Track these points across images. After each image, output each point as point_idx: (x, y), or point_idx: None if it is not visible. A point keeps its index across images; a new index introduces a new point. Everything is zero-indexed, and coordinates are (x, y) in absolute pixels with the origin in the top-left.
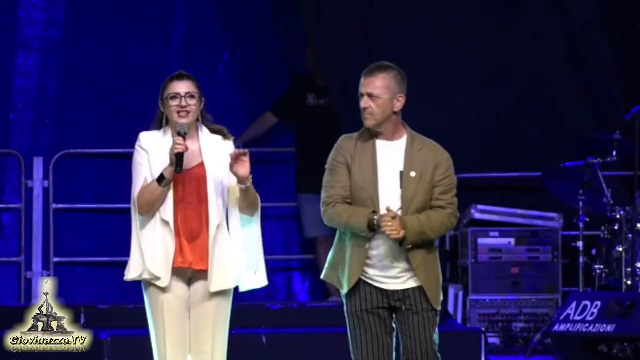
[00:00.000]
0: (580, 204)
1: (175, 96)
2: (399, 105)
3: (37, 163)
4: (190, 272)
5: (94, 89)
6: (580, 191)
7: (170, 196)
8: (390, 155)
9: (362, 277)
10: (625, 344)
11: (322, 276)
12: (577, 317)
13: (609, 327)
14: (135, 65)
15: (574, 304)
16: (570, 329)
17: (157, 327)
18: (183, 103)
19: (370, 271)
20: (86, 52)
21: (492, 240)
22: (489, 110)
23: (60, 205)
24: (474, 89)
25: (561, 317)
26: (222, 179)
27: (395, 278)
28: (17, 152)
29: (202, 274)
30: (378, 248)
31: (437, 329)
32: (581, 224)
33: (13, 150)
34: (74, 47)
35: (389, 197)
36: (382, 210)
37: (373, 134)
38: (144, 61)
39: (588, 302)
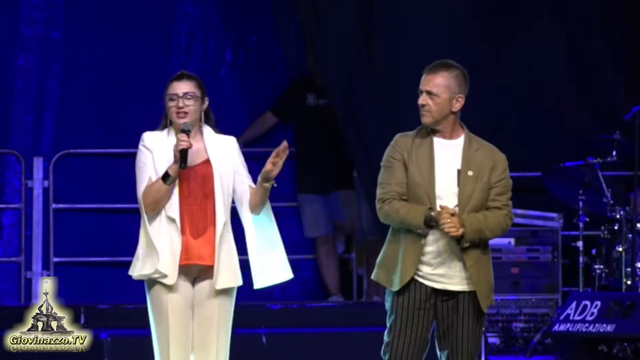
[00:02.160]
0: (580, 204)
1: (173, 97)
2: (458, 105)
3: (37, 163)
4: (195, 270)
5: (94, 89)
6: (580, 191)
7: (175, 193)
8: (448, 154)
9: (414, 276)
10: (625, 344)
11: (372, 276)
12: (577, 317)
13: (609, 327)
14: (135, 66)
15: (574, 304)
16: (570, 329)
17: (161, 326)
18: (180, 104)
19: (424, 268)
20: (86, 53)
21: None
22: (489, 111)
23: (60, 205)
24: (473, 89)
25: (561, 317)
26: (228, 177)
27: (447, 277)
28: (17, 152)
29: (208, 273)
30: (433, 245)
31: (481, 334)
32: (581, 224)
33: (13, 150)
34: (74, 47)
35: (446, 194)
36: (439, 208)
37: (430, 132)
38: (145, 61)
39: (588, 302)
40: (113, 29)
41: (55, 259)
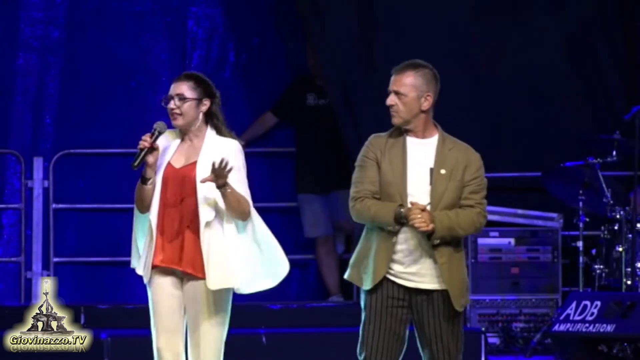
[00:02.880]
0: (580, 204)
1: (168, 98)
2: (427, 104)
3: (37, 163)
4: (177, 272)
5: (95, 89)
6: (580, 191)
7: (157, 194)
8: (421, 153)
9: (387, 274)
10: (625, 344)
11: (345, 276)
12: (577, 317)
13: (609, 327)
14: (137, 66)
15: (574, 304)
16: (570, 329)
17: (151, 319)
18: (171, 105)
19: (396, 267)
20: (87, 52)
21: (492, 240)
22: (489, 111)
23: (60, 205)
24: (474, 88)
25: (561, 317)
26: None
27: (419, 276)
28: (17, 152)
29: (190, 274)
30: (405, 243)
31: (461, 332)
32: (581, 224)
33: (13, 150)
34: (75, 47)
35: (418, 193)
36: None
37: (404, 132)
38: (147, 62)
39: (588, 302)
40: (114, 29)
41: (55, 259)
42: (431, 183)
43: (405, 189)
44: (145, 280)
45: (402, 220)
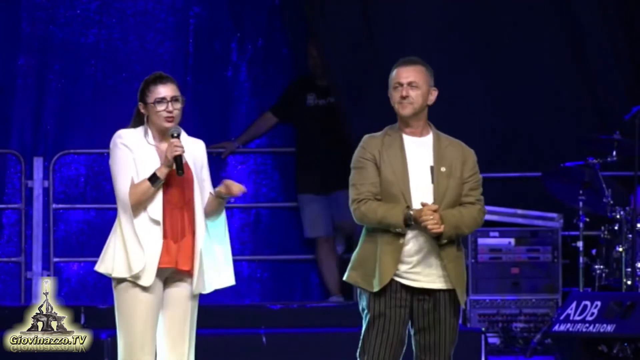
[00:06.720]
0: (581, 204)
1: (161, 101)
2: (432, 98)
3: (37, 163)
4: (168, 272)
5: (95, 89)
6: (581, 191)
7: (160, 195)
8: (419, 151)
9: (393, 275)
10: (626, 344)
11: (345, 278)
12: (577, 318)
13: (609, 328)
14: (139, 66)
15: (574, 304)
16: (571, 329)
17: (133, 325)
18: (170, 108)
19: (401, 267)
20: (88, 52)
21: (492, 240)
22: (489, 111)
23: (60, 205)
24: (474, 89)
25: (561, 318)
26: (202, 181)
27: (424, 275)
28: (17, 152)
29: (182, 275)
30: (411, 243)
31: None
32: (581, 224)
33: (13, 150)
34: (76, 47)
35: (421, 191)
36: (416, 205)
37: (399, 130)
38: (149, 61)
39: (588, 303)
40: (116, 29)
41: (55, 259)
42: (433, 181)
43: (408, 189)
44: (148, 284)
45: (410, 222)
